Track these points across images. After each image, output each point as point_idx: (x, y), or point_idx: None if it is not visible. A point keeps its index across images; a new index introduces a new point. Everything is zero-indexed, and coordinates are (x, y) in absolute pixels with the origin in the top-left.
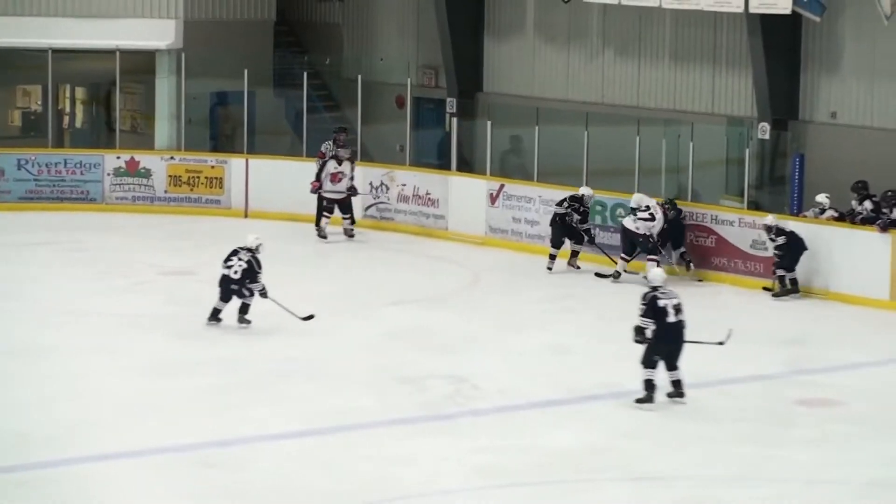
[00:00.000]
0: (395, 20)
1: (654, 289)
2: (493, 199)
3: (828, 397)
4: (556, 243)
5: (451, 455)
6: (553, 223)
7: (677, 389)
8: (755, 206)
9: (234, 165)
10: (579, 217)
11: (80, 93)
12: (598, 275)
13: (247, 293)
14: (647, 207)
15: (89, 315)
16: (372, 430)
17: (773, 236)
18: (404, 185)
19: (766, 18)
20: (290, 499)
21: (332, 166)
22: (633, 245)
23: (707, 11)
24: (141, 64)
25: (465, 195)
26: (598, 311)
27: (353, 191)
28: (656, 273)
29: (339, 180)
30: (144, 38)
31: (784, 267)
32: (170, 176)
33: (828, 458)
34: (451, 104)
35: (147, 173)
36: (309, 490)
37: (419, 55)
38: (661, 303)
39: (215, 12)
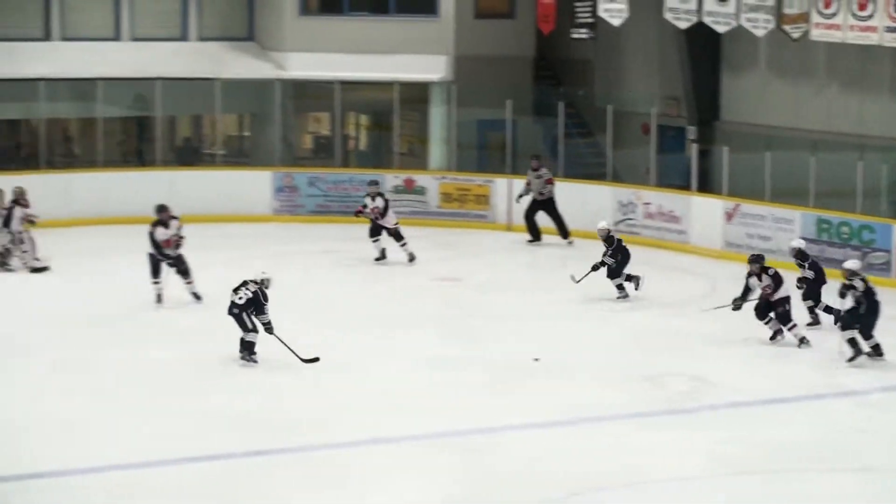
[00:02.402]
0: (642, 56)
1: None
2: (729, 216)
3: None
4: None
5: (688, 446)
6: None
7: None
8: None
9: (499, 185)
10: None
11: (364, 119)
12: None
13: (250, 325)
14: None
15: (370, 317)
16: (615, 423)
17: (802, 263)
18: (649, 203)
19: None
20: (539, 481)
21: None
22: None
23: None
24: (417, 94)
25: (704, 213)
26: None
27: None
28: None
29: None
30: (420, 72)
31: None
32: (442, 193)
33: None
34: (692, 131)
35: (422, 191)
36: (557, 474)
37: (663, 87)
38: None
39: (482, 49)
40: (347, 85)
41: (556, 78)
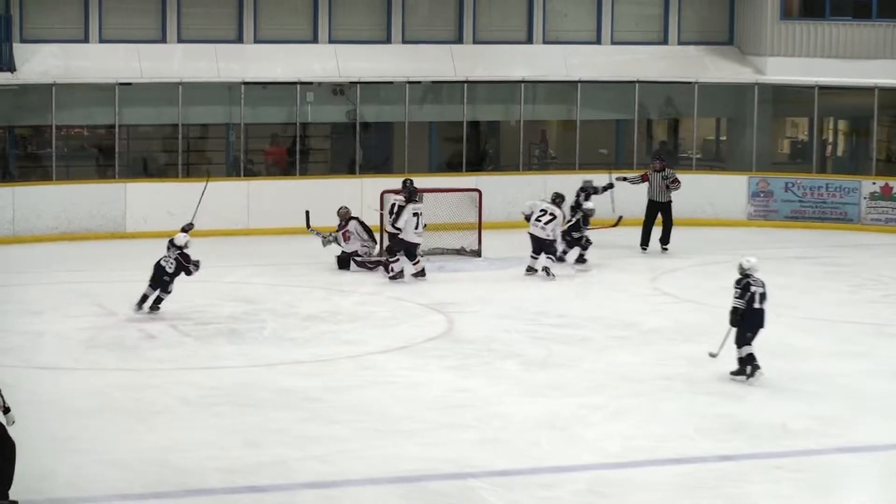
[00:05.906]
0: None
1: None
2: None
3: None
4: None
5: None
6: None
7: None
8: None
9: None
10: None
11: (841, 125)
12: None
13: (168, 282)
14: (544, 211)
15: (843, 322)
16: None
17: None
18: None
19: None
20: None
21: None
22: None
23: None
24: None
25: None
26: None
27: None
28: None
29: None
30: None
31: None
32: None
33: None
34: None
35: None
36: None
37: None
38: (752, 289)
39: None
40: (826, 90)
41: None
